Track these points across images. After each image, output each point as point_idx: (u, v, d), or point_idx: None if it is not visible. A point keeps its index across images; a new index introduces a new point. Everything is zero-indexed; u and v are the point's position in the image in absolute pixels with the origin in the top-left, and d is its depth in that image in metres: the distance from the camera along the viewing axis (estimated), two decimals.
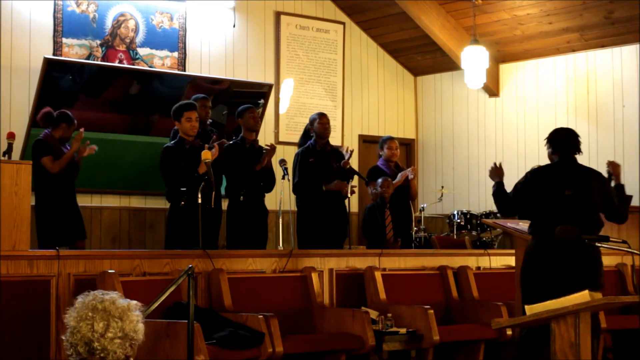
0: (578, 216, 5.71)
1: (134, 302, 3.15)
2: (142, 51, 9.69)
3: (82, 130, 7.51)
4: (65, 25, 9.18)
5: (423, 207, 10.36)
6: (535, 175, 5.91)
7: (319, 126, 8.09)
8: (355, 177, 8.01)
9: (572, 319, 4.39)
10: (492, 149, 11.46)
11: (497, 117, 11.46)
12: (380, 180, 8.43)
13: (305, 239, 7.98)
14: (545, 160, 6.12)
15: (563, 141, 5.91)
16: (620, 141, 10.24)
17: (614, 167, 6.24)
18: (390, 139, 8.92)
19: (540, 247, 5.74)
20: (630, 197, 6.71)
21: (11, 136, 6.32)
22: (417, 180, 8.87)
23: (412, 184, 8.73)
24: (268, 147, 7.72)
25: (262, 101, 9.95)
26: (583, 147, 5.98)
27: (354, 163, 8.82)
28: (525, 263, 5.84)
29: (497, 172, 6.11)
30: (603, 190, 5.89)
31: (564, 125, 6.32)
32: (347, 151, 8.15)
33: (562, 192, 5.73)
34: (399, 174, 8.62)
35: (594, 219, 5.82)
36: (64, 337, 3.08)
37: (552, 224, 5.68)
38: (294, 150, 8.44)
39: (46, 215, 7.42)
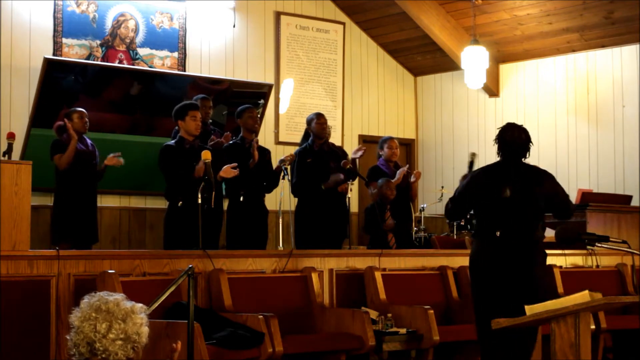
0: (517, 218, 5.62)
1: (140, 305, 3.15)
2: (142, 51, 9.70)
3: (74, 116, 7.55)
4: (65, 26, 9.18)
5: (423, 207, 10.36)
6: (476, 176, 5.88)
7: (316, 126, 8.10)
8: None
9: (572, 319, 4.39)
10: (492, 149, 11.43)
11: (497, 117, 11.46)
12: (381, 181, 8.41)
13: (304, 239, 7.98)
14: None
15: (509, 142, 5.86)
16: (620, 141, 10.22)
17: None
18: (390, 138, 8.91)
19: (483, 249, 5.69)
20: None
21: (11, 136, 6.33)
22: (417, 182, 8.87)
23: (413, 185, 8.73)
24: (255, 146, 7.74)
25: (262, 101, 9.95)
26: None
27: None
28: (470, 265, 5.79)
29: None
30: (550, 190, 5.71)
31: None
32: (359, 150, 8.20)
33: (500, 193, 5.67)
34: (397, 172, 8.61)
35: (535, 220, 5.68)
36: (68, 337, 3.10)
37: (493, 225, 5.63)
38: (293, 150, 8.44)
39: (62, 215, 7.43)
